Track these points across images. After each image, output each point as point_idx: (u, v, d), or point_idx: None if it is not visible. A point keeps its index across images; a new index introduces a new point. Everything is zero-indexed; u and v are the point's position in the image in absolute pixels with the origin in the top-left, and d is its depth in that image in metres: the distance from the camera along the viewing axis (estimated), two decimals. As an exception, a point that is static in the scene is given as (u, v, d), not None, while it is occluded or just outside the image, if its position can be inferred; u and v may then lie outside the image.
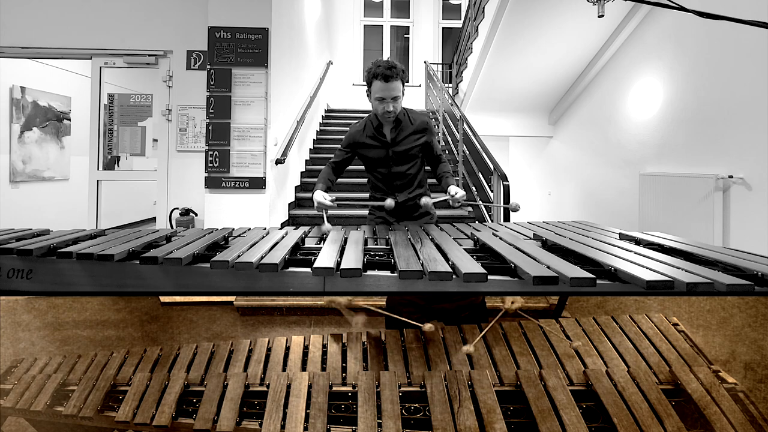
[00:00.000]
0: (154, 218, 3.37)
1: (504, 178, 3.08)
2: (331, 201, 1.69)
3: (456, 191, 1.73)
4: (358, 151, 1.87)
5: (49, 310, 1.70)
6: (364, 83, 1.79)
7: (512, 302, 1.21)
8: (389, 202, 1.75)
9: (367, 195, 1.98)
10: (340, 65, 7.99)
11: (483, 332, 1.25)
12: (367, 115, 1.89)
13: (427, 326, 1.21)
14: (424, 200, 1.79)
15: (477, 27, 5.40)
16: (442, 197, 1.78)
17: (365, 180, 1.97)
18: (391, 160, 1.83)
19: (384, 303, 1.43)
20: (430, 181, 1.96)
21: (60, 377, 1.34)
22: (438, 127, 5.54)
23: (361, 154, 1.87)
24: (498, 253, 1.12)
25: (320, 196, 1.70)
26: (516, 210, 1.68)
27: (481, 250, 1.24)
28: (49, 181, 4.61)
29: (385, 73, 1.68)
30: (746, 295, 0.88)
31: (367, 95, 1.79)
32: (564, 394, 1.06)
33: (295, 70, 4.19)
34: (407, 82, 1.79)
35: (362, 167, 1.91)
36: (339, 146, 1.92)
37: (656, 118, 3.90)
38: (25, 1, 3.29)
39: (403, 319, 1.25)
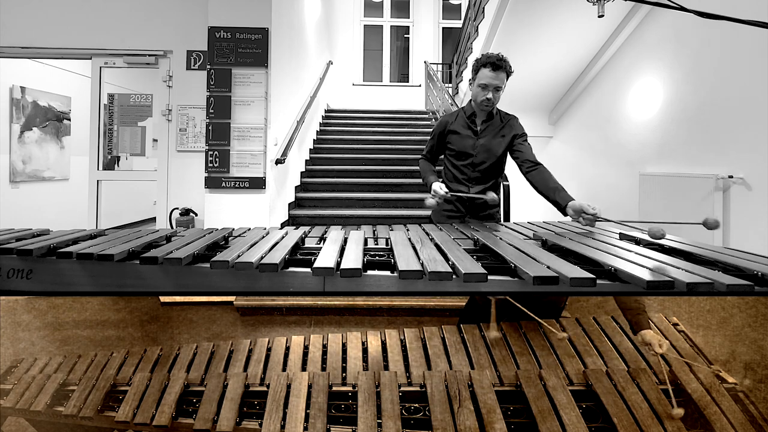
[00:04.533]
0: (154, 218, 3.37)
1: (504, 178, 3.07)
2: (445, 192, 1.79)
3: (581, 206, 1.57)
4: (447, 137, 1.94)
5: (49, 310, 1.69)
6: (471, 72, 1.87)
7: (660, 344, 1.14)
8: (430, 201, 1.80)
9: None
10: (340, 65, 7.98)
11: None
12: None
13: (493, 334, 1.23)
14: (491, 195, 1.80)
15: (477, 27, 5.40)
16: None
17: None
18: (475, 151, 1.89)
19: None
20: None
21: (60, 377, 1.34)
22: (438, 127, 5.54)
23: (448, 142, 1.94)
24: (498, 253, 1.12)
25: (438, 187, 1.82)
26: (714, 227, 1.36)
27: (481, 250, 1.24)
28: (49, 181, 4.61)
29: (495, 62, 1.76)
30: (746, 295, 0.88)
31: (470, 83, 1.88)
32: (564, 394, 1.06)
33: (295, 70, 4.19)
34: (511, 74, 1.83)
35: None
36: (429, 137, 1.99)
37: (656, 118, 3.89)
38: (25, 1, 3.29)
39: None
